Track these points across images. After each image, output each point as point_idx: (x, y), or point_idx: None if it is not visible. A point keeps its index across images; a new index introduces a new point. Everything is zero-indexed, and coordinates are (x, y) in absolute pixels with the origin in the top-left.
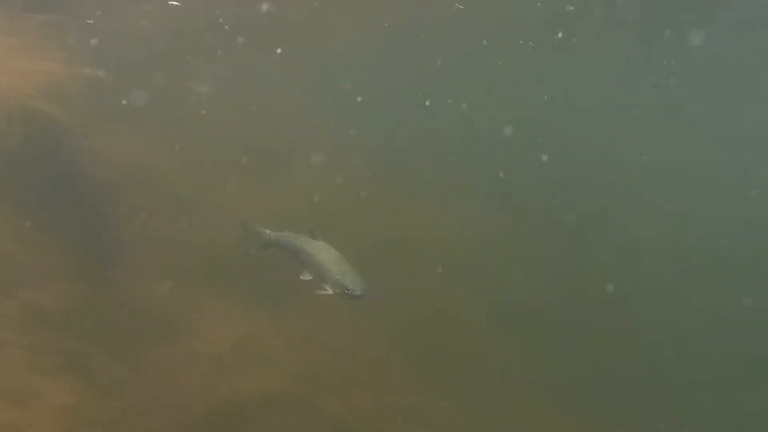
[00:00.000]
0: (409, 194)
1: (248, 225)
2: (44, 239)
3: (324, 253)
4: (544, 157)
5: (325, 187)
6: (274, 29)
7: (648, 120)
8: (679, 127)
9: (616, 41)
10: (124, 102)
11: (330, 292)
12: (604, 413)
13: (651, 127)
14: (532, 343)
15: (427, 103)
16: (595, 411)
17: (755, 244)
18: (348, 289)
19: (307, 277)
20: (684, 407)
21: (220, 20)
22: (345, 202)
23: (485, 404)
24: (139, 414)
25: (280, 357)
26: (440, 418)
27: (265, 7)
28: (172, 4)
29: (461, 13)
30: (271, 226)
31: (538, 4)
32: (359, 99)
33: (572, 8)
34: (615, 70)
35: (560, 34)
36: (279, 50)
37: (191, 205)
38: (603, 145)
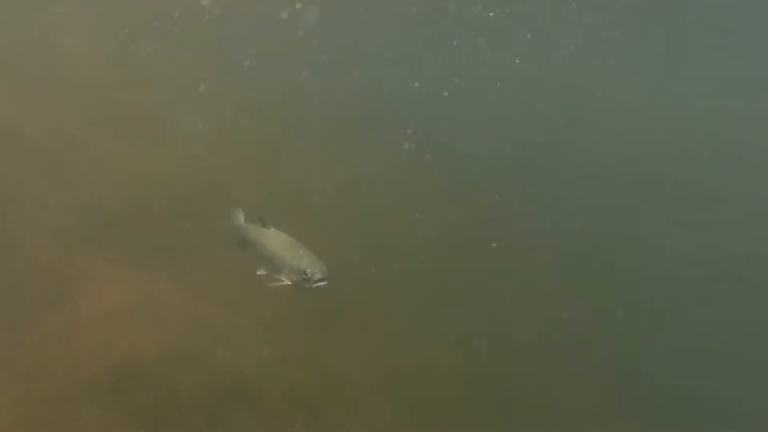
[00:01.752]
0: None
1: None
2: None
3: (275, 240)
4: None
5: (208, 143)
6: None
7: None
8: None
9: None
10: None
11: (286, 282)
12: None
13: None
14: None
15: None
16: None
17: None
18: (306, 274)
19: (262, 272)
20: None
21: None
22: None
23: (381, 347)
24: (32, 378)
25: (176, 314)
26: (338, 362)
27: None
28: None
29: None
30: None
31: None
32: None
33: None
34: None
35: None
36: None
37: (70, 168)
38: None
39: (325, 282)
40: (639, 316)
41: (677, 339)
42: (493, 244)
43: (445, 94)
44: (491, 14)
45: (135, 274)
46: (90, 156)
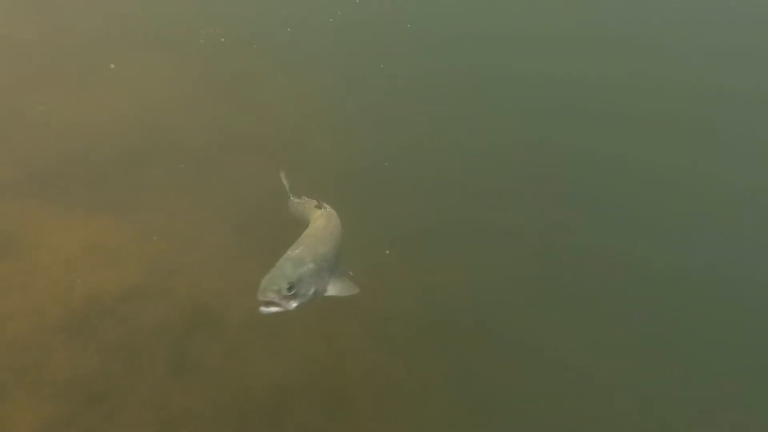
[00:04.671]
0: None
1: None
2: None
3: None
4: None
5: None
6: None
7: None
8: None
9: None
10: None
11: None
12: None
13: None
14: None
15: None
16: None
17: None
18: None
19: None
20: None
21: None
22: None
23: None
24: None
25: (131, 253)
26: None
27: None
28: None
29: None
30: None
31: None
32: None
33: None
34: None
35: None
36: None
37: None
38: None
39: (262, 310)
40: None
41: None
42: None
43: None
44: None
45: (85, 221)
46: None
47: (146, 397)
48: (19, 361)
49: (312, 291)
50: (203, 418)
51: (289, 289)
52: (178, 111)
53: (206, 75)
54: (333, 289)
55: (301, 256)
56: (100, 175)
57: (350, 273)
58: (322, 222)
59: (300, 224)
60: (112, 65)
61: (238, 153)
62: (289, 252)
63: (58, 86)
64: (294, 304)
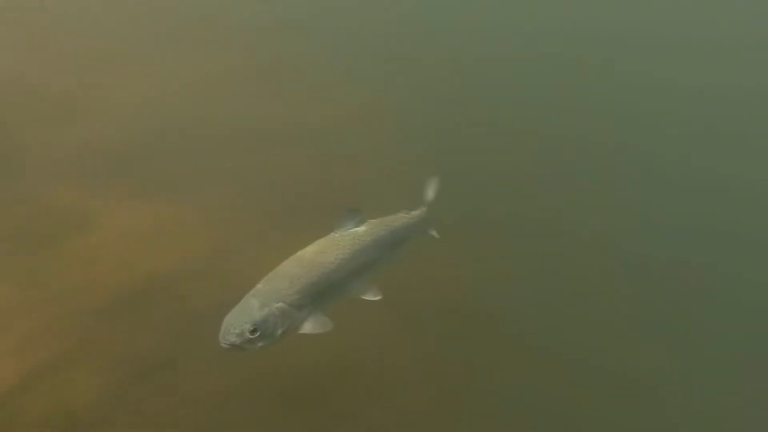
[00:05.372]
0: None
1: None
2: None
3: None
4: None
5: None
6: None
7: None
8: None
9: None
10: None
11: None
12: None
13: None
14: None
15: None
16: None
17: None
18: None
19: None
20: None
21: None
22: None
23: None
24: (62, 299)
25: (192, 236)
26: None
27: None
28: None
29: None
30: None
31: None
32: None
33: None
34: None
35: None
36: None
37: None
38: None
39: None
40: None
41: None
42: None
43: None
44: None
45: (149, 204)
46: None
47: (200, 371)
48: (85, 333)
49: (279, 332)
50: (250, 396)
51: (253, 332)
52: (241, 98)
53: (270, 65)
54: (306, 327)
55: (272, 291)
56: (167, 160)
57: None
58: (320, 248)
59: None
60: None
61: (298, 142)
62: (260, 285)
63: (124, 71)
64: (260, 345)
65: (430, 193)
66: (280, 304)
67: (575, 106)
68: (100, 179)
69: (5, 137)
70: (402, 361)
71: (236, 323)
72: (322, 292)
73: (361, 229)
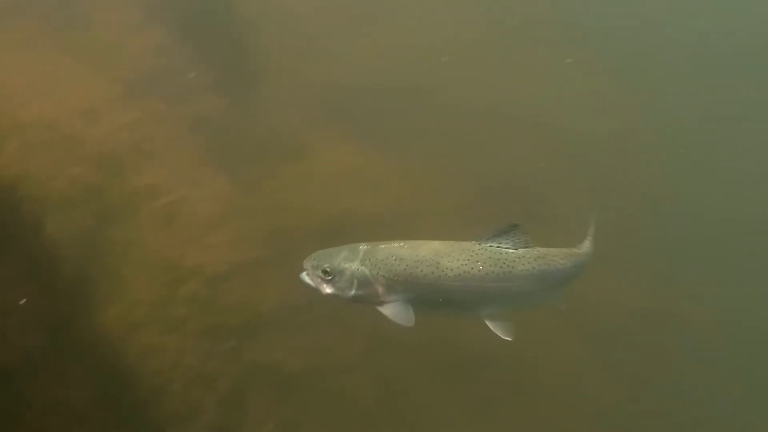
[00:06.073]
0: None
1: None
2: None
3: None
4: None
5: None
6: None
7: None
8: None
9: None
10: None
11: None
12: None
13: None
14: None
15: None
16: None
17: None
18: None
19: None
20: None
21: None
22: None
23: None
24: (273, 212)
25: (386, 186)
26: None
27: None
28: None
29: None
30: None
31: None
32: None
33: None
34: None
35: None
36: None
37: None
38: None
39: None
40: None
41: None
42: None
43: None
44: None
45: (360, 146)
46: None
47: None
48: (285, 244)
49: (352, 294)
50: None
51: (325, 273)
52: (495, 79)
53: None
54: (387, 310)
55: (368, 254)
56: (381, 111)
57: None
58: (448, 249)
59: None
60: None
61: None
62: (366, 245)
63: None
64: (327, 291)
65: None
66: (363, 270)
67: None
68: (323, 116)
69: (255, 63)
70: None
71: (320, 258)
72: (423, 292)
73: (514, 251)
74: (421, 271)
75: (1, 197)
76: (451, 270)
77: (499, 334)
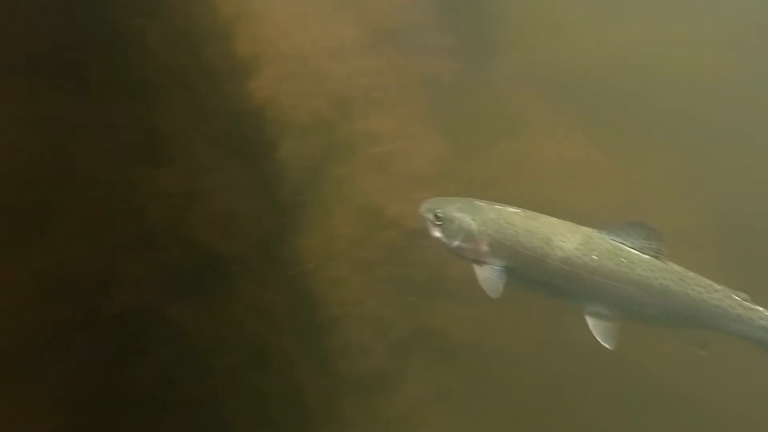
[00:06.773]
0: None
1: None
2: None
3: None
4: None
5: None
6: None
7: None
8: None
9: None
10: None
11: None
12: None
13: None
14: None
15: None
16: None
17: None
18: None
19: None
20: None
21: None
22: None
23: None
24: (483, 182)
25: (603, 186)
26: None
27: None
28: None
29: None
30: None
31: None
32: None
33: None
34: None
35: None
36: None
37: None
38: None
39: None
40: None
41: None
42: None
43: None
44: None
45: (585, 139)
46: None
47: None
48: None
49: (455, 244)
50: None
51: (437, 218)
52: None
53: None
54: (481, 271)
55: (480, 212)
56: (618, 107)
57: None
58: (564, 230)
59: None
60: None
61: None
62: (483, 202)
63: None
64: (436, 234)
65: None
66: (472, 224)
67: None
68: (542, 97)
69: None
70: None
71: (436, 203)
72: (524, 265)
73: (638, 253)
74: (530, 241)
75: (252, 115)
76: (561, 250)
77: (598, 337)
